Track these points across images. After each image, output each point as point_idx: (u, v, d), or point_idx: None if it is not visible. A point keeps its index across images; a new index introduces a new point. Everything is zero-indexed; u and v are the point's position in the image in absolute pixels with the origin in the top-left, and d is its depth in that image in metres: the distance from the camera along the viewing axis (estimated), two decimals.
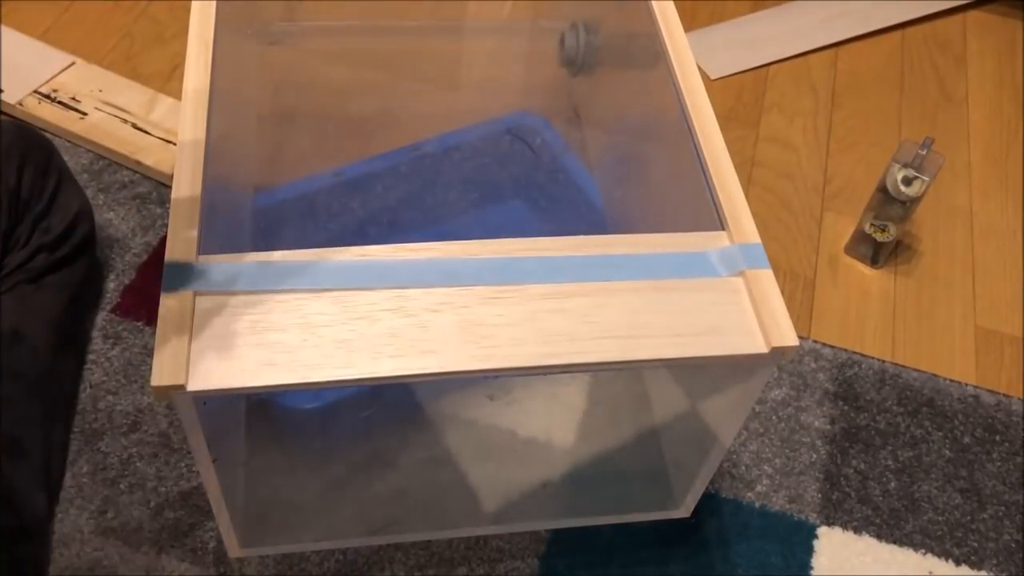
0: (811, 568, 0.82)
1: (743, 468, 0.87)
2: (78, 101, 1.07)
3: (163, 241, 0.91)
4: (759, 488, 0.86)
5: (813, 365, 0.96)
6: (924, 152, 0.96)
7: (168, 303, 0.50)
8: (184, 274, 0.52)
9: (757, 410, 0.92)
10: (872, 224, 1.02)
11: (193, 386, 0.48)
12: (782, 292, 0.54)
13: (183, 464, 0.82)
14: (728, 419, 0.63)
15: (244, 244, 0.79)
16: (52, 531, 0.77)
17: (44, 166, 0.84)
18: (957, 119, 1.24)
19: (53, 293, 0.84)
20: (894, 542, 0.84)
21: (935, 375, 0.97)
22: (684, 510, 0.73)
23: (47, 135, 1.04)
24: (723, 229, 0.58)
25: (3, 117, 1.05)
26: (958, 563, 0.84)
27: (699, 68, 0.67)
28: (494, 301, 0.53)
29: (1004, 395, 0.96)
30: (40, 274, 0.83)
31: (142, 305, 0.92)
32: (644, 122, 0.80)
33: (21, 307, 0.81)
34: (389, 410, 0.79)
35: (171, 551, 0.77)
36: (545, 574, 0.79)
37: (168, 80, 1.12)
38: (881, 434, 0.91)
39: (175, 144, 0.58)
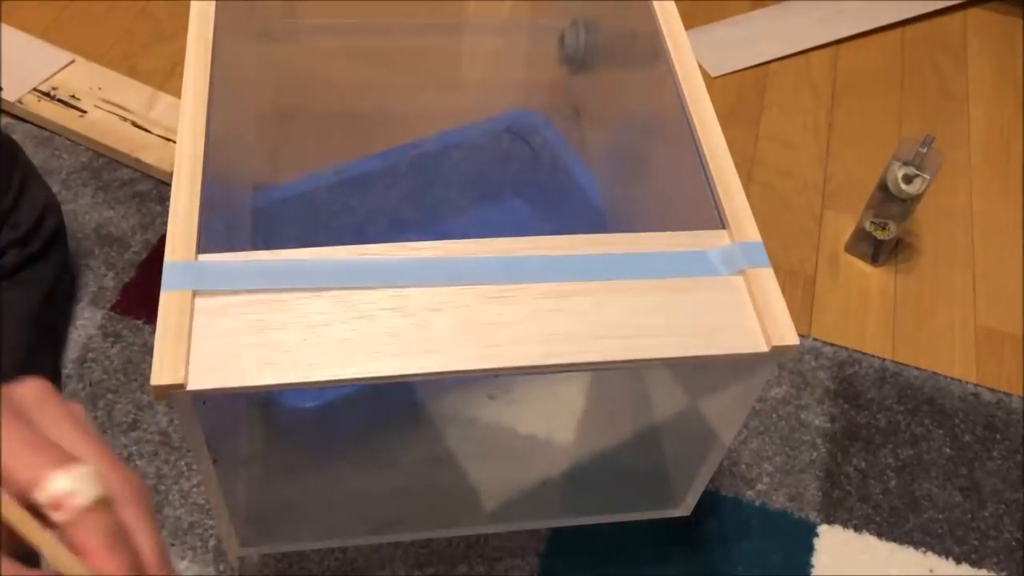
0: (811, 566, 0.82)
1: (743, 466, 0.87)
2: (78, 99, 1.07)
3: (163, 239, 0.91)
4: (759, 486, 0.86)
5: (813, 363, 0.96)
6: (925, 150, 0.96)
7: (167, 302, 0.50)
8: (184, 273, 0.51)
9: (757, 408, 0.91)
10: (872, 222, 1.02)
11: (193, 385, 0.48)
12: (782, 290, 0.54)
13: (183, 462, 0.82)
14: (728, 418, 0.63)
15: (244, 243, 0.79)
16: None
17: (8, 162, 0.84)
18: (958, 117, 1.23)
19: (27, 289, 0.84)
20: (894, 540, 0.84)
21: (935, 373, 0.97)
22: (684, 509, 0.72)
23: (47, 133, 1.04)
24: (723, 228, 0.58)
25: None
26: (958, 561, 0.84)
27: (699, 66, 0.67)
28: (494, 300, 0.53)
29: (1004, 393, 0.96)
30: (12, 271, 0.83)
31: (142, 303, 0.92)
32: (644, 120, 0.80)
33: None
34: (389, 409, 0.79)
35: (171, 549, 0.77)
36: (545, 572, 0.79)
37: (168, 78, 1.12)
38: (881, 432, 0.91)
39: (175, 142, 0.58)
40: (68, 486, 0.29)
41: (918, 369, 0.97)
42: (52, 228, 0.88)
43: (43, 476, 0.29)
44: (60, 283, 0.90)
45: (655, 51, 0.70)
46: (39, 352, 0.84)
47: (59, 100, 1.06)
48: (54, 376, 0.86)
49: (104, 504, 0.30)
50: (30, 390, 0.33)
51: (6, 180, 0.83)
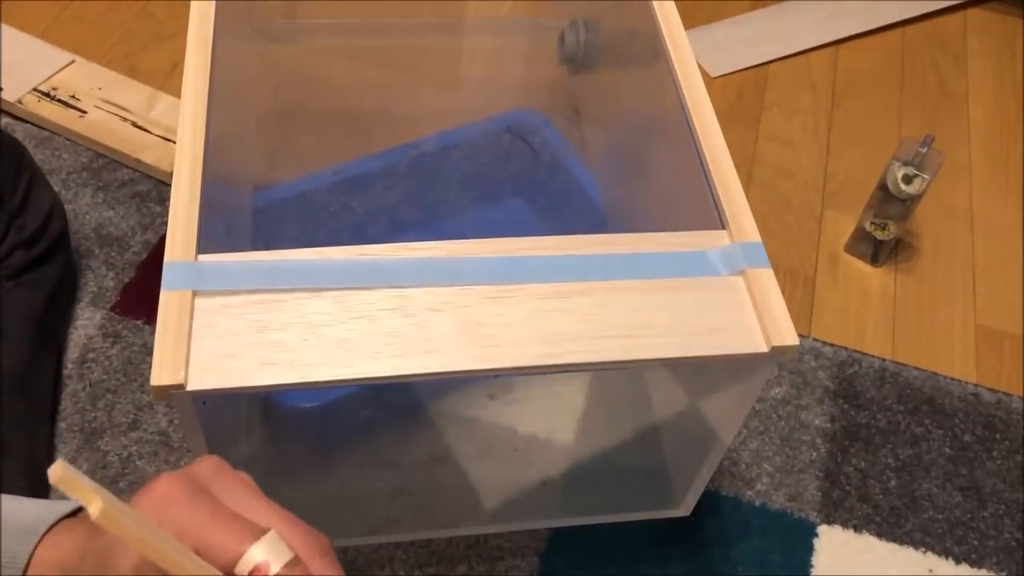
0: (811, 566, 0.82)
1: (743, 466, 0.87)
2: (78, 99, 1.07)
3: (163, 239, 0.91)
4: (759, 486, 0.86)
5: (813, 363, 0.96)
6: (924, 150, 0.96)
7: (167, 302, 0.50)
8: (183, 273, 0.51)
9: (757, 408, 0.91)
10: (872, 222, 1.02)
11: (192, 386, 0.48)
12: (782, 291, 0.54)
13: (183, 462, 0.82)
14: (728, 418, 0.63)
15: (243, 243, 0.79)
16: None
17: (15, 165, 0.84)
18: (957, 117, 1.23)
19: (31, 290, 0.84)
20: (894, 540, 0.84)
21: (935, 373, 0.97)
22: (684, 509, 0.73)
23: (47, 133, 1.04)
24: (723, 228, 0.58)
25: None
26: (958, 561, 0.84)
27: (699, 66, 0.67)
28: (494, 300, 0.53)
29: (1004, 393, 0.96)
30: (17, 272, 0.84)
31: (142, 303, 0.92)
32: (644, 120, 0.80)
33: (1, 305, 0.81)
34: (389, 409, 0.79)
35: None
36: (545, 572, 0.79)
37: (168, 78, 1.12)
38: (881, 432, 0.91)
39: (175, 142, 0.58)
40: (263, 556, 0.33)
41: (918, 369, 0.97)
42: (57, 230, 0.88)
43: (240, 550, 0.33)
44: (63, 285, 0.90)
45: (655, 51, 0.70)
46: (41, 353, 0.84)
47: (59, 100, 1.06)
48: (57, 376, 0.86)
49: (295, 563, 0.33)
50: (208, 466, 0.37)
51: (13, 182, 0.84)
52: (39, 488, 0.78)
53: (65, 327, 0.90)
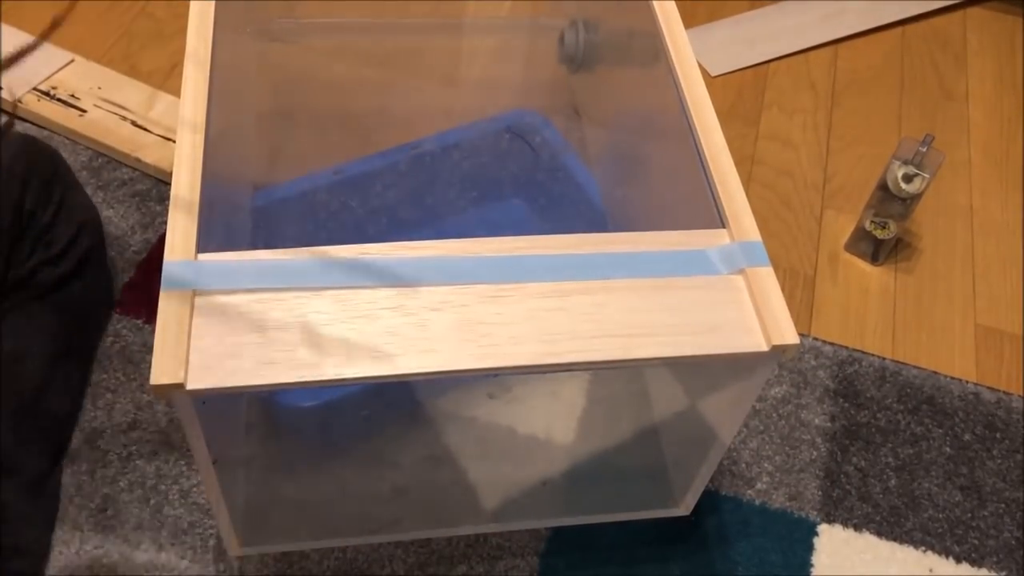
0: (811, 566, 0.82)
1: (743, 466, 0.87)
2: (77, 99, 1.07)
3: (162, 239, 0.91)
4: (759, 486, 0.86)
5: (813, 362, 0.96)
6: (924, 149, 0.96)
7: (167, 301, 0.50)
8: (183, 272, 0.51)
9: (757, 407, 0.91)
10: (872, 221, 1.02)
11: (192, 385, 0.48)
12: (782, 290, 0.54)
13: (183, 462, 0.82)
14: (728, 417, 0.63)
15: (243, 242, 0.79)
16: (49, 546, 0.76)
17: (49, 177, 0.82)
18: (957, 116, 1.23)
19: (56, 310, 0.82)
20: (894, 539, 0.84)
21: (935, 372, 0.97)
22: (684, 508, 0.73)
23: (47, 132, 1.04)
24: (723, 227, 0.58)
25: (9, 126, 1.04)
26: (958, 560, 0.84)
27: (699, 65, 0.67)
28: (494, 299, 0.53)
29: (1004, 392, 0.96)
30: (44, 291, 0.81)
31: (142, 303, 0.92)
32: (644, 120, 0.80)
33: (23, 325, 0.79)
34: (389, 408, 0.79)
35: (171, 549, 0.77)
36: (545, 572, 0.79)
37: (168, 77, 1.12)
38: (881, 431, 0.91)
39: (174, 142, 0.58)
40: None
41: (918, 368, 0.97)
42: (87, 247, 0.86)
43: None
44: (94, 300, 0.88)
45: (655, 51, 0.70)
46: (62, 372, 0.82)
47: (59, 100, 1.06)
48: (80, 392, 0.84)
49: None
50: None
51: (45, 196, 0.81)
52: (48, 510, 0.77)
53: (96, 343, 0.87)
